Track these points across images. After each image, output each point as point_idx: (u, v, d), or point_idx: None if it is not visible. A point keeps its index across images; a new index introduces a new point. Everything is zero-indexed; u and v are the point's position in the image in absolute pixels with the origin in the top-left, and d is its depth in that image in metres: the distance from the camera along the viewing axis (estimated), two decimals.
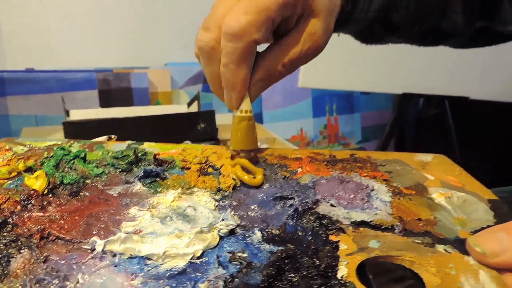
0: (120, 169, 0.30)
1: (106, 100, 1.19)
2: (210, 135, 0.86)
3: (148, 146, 0.35)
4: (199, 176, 0.30)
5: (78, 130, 0.73)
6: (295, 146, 0.92)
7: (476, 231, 0.24)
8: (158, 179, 0.29)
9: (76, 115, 0.86)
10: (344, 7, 0.37)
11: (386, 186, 0.29)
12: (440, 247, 0.23)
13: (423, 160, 0.34)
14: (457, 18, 0.44)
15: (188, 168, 0.31)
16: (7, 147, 0.33)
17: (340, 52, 1.13)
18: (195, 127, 0.84)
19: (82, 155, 0.32)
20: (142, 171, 0.29)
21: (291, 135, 1.69)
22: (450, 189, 0.30)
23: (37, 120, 1.11)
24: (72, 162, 0.31)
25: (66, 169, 0.30)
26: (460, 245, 0.23)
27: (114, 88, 1.20)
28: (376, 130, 1.89)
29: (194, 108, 1.00)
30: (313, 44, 0.32)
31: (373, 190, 0.28)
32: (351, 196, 0.27)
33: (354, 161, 0.34)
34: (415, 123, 1.74)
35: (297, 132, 1.70)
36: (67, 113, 0.88)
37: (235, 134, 0.33)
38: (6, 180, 0.28)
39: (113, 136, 0.40)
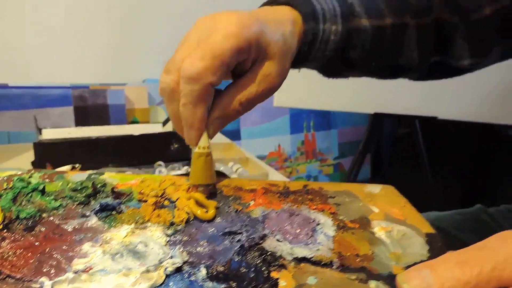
0: (78, 202, 0.31)
1: (82, 116, 1.19)
2: (183, 155, 0.87)
3: (108, 176, 0.36)
4: (154, 209, 0.31)
5: (49, 152, 0.73)
6: (267, 166, 0.94)
7: (408, 266, 0.26)
8: (114, 213, 0.30)
9: (49, 134, 0.86)
10: (301, 48, 0.39)
11: (332, 220, 0.31)
12: (372, 283, 0.24)
13: (371, 191, 0.36)
14: (412, 55, 0.46)
15: (145, 201, 0.32)
16: None
17: (314, 72, 1.16)
18: (169, 147, 0.85)
19: (41, 187, 0.32)
20: (99, 204, 0.30)
21: (269, 151, 1.72)
22: (392, 222, 0.32)
23: (10, 136, 1.10)
24: (30, 195, 0.31)
25: (23, 202, 0.31)
26: (392, 281, 0.25)
27: (90, 105, 1.20)
28: (353, 146, 1.93)
29: (169, 127, 1.00)
30: (268, 85, 0.35)
31: (319, 224, 0.30)
32: (297, 230, 0.29)
33: (306, 192, 0.35)
34: (391, 140, 1.79)
35: (275, 148, 1.72)
36: (40, 131, 0.88)
37: (193, 169, 0.34)
38: None
39: (77, 165, 0.41)
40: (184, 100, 0.31)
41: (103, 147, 0.78)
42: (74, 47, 1.25)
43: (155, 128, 0.99)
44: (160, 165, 0.82)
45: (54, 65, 1.23)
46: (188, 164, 0.86)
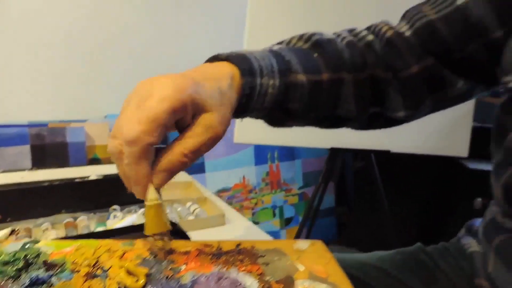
0: (8, 277, 0.32)
1: (39, 156, 1.18)
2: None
3: (44, 244, 0.37)
4: (85, 281, 0.32)
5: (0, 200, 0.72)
6: (224, 204, 0.95)
7: None
8: (45, 286, 0.31)
9: (0, 178, 0.84)
10: (241, 100, 0.42)
11: (258, 282, 0.33)
12: None
13: (300, 248, 0.39)
14: (350, 107, 0.50)
15: (78, 271, 0.33)
16: None
17: None
18: (125, 190, 0.85)
19: None
20: (29, 279, 0.31)
21: (234, 183, 1.73)
22: (315, 280, 0.34)
23: None
24: None
25: None
26: None
27: (48, 143, 1.19)
28: (317, 176, 1.97)
29: None
30: (211, 135, 0.37)
31: (245, 287, 0.32)
32: None
33: (238, 252, 0.37)
34: (352, 171, 1.84)
35: (240, 180, 1.74)
36: None
37: (146, 220, 0.37)
38: None
39: (17, 228, 0.41)
40: (127, 161, 0.34)
41: (56, 193, 0.78)
42: (32, 84, 1.24)
43: (113, 168, 0.99)
44: (115, 209, 0.82)
45: (11, 102, 1.22)
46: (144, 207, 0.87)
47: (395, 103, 0.52)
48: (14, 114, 1.21)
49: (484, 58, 0.50)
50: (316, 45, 0.49)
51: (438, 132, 1.23)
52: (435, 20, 0.50)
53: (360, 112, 0.52)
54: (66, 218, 0.77)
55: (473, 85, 0.53)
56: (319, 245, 0.40)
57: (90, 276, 0.33)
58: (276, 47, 0.49)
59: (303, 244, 0.39)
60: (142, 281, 0.32)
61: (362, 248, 1.90)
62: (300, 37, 0.51)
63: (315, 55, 0.49)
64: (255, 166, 1.78)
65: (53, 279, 0.32)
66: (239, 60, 0.42)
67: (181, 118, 0.36)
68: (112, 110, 1.39)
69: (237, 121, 1.23)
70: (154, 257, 0.36)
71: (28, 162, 1.16)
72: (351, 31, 0.54)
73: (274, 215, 1.84)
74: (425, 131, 1.24)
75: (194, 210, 0.88)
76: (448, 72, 0.51)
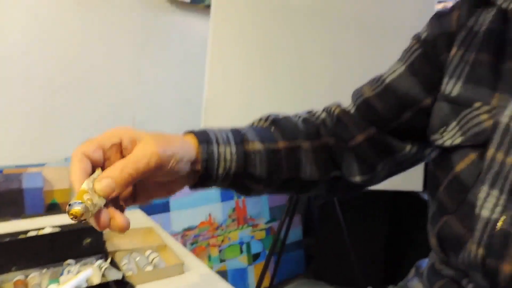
0: None
1: None
2: (96, 249, 0.85)
3: None
4: None
5: None
6: (185, 250, 0.94)
7: None
8: None
9: None
10: (202, 166, 0.46)
11: None
12: None
13: None
14: (311, 170, 0.54)
15: None
16: None
17: None
18: (80, 243, 0.84)
19: None
20: None
21: (200, 221, 1.72)
22: None
23: None
24: None
25: None
26: None
27: (2, 191, 1.15)
28: (284, 209, 1.98)
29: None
30: (145, 158, 0.40)
31: None
32: None
33: None
34: (318, 205, 1.87)
35: (206, 217, 1.73)
36: None
37: None
38: None
39: None
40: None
41: (5, 251, 0.75)
42: None
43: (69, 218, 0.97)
44: (69, 264, 0.80)
45: None
46: (102, 258, 0.85)
47: (351, 169, 0.57)
48: None
49: (422, 123, 0.55)
50: (273, 122, 0.55)
51: None
52: (371, 97, 0.57)
53: (323, 175, 0.56)
54: (17, 276, 0.75)
55: (422, 147, 0.58)
56: None
57: None
58: (234, 127, 0.54)
59: None
60: None
61: (330, 280, 1.90)
62: (260, 119, 0.57)
63: (272, 129, 0.54)
64: (221, 203, 1.78)
65: None
66: (198, 132, 0.47)
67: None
68: (71, 153, 1.37)
69: None
70: None
71: None
72: (309, 112, 0.61)
73: (242, 251, 1.83)
74: None
75: (152, 260, 0.87)
76: (392, 139, 0.57)
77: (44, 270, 0.78)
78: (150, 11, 1.47)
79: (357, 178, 0.57)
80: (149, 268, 0.83)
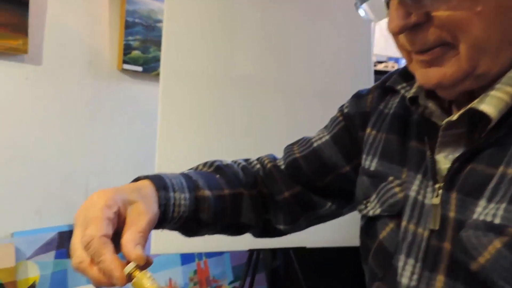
0: None
1: None
2: None
3: None
4: None
5: None
6: None
7: None
8: None
9: None
10: (160, 210, 0.49)
11: None
12: None
13: None
14: (250, 215, 0.60)
15: None
16: None
17: None
18: None
19: None
20: None
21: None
22: None
23: None
24: None
25: None
26: None
27: None
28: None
29: None
30: (144, 220, 0.44)
31: None
32: None
33: None
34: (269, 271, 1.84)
35: (166, 283, 1.67)
36: None
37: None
38: None
39: None
40: (96, 259, 0.39)
41: None
42: None
43: None
44: None
45: None
46: None
47: (276, 218, 0.64)
48: None
49: (343, 186, 0.62)
50: (217, 169, 0.61)
51: (348, 224, 1.31)
52: (299, 158, 0.63)
53: (258, 220, 0.62)
54: None
55: (342, 204, 0.65)
56: None
57: None
58: (185, 171, 0.59)
59: None
60: None
61: None
62: (205, 164, 0.63)
63: (217, 176, 0.59)
64: (182, 266, 1.73)
65: None
66: (155, 179, 0.51)
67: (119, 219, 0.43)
68: (20, 227, 1.31)
69: (153, 232, 1.22)
70: None
71: None
72: (246, 160, 0.66)
73: None
74: (336, 225, 1.31)
75: None
76: (315, 196, 0.63)
77: None
78: (102, 80, 1.49)
79: (281, 227, 0.64)
80: None
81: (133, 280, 0.40)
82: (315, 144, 0.64)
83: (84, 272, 0.40)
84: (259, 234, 0.66)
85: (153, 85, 1.59)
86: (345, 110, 0.63)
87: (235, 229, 0.62)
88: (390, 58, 2.13)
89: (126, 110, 1.56)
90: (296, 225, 0.65)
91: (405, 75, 0.53)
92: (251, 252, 1.24)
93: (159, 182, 0.51)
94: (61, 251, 1.36)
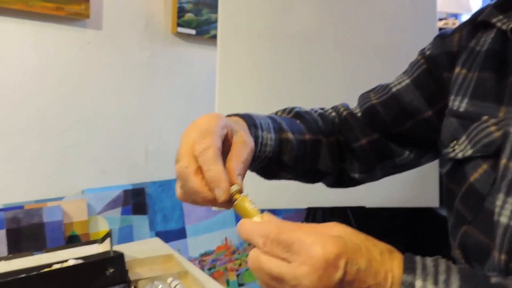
0: None
1: (15, 239, 1.16)
2: (120, 279, 0.86)
3: None
4: None
5: None
6: (206, 276, 0.95)
7: None
8: None
9: None
10: None
11: None
12: None
13: None
14: (327, 162, 0.61)
15: None
16: None
17: (248, 174, 1.23)
18: (103, 273, 0.85)
19: None
20: None
21: (216, 246, 1.72)
22: None
23: None
24: None
25: None
26: None
27: (24, 226, 1.18)
28: None
29: (106, 245, 1.00)
30: (248, 148, 0.45)
31: None
32: None
33: None
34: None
35: (222, 242, 1.73)
36: None
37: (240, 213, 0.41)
38: None
39: None
40: (206, 167, 0.40)
41: (33, 285, 0.77)
42: (6, 166, 1.24)
43: (90, 249, 0.99)
44: None
45: None
46: (125, 287, 0.86)
47: (352, 166, 0.64)
48: None
49: (423, 133, 0.60)
50: (297, 115, 0.61)
51: (408, 185, 1.29)
52: (376, 104, 0.62)
53: (334, 167, 0.62)
54: None
55: (420, 154, 0.63)
56: None
57: None
58: (268, 114, 0.60)
59: None
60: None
61: None
62: (284, 110, 0.64)
63: (298, 121, 0.60)
64: (236, 227, 1.78)
65: None
66: (246, 116, 0.53)
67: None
68: (88, 185, 1.39)
69: None
70: None
71: (3, 248, 1.13)
72: (321, 108, 0.66)
73: None
74: (395, 185, 1.29)
75: (175, 286, 0.88)
76: (393, 145, 0.62)
77: None
78: (158, 43, 1.52)
79: (356, 175, 0.64)
80: None
81: (235, 202, 0.41)
82: (394, 89, 0.62)
83: (187, 178, 0.41)
84: (333, 183, 0.66)
85: (206, 48, 1.60)
86: (427, 52, 0.60)
87: (311, 176, 0.63)
88: (450, 15, 2.00)
89: (182, 73, 1.58)
90: (371, 174, 0.64)
91: (502, 7, 0.49)
92: (309, 210, 1.25)
93: (250, 120, 0.52)
94: (127, 208, 1.44)
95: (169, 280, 0.91)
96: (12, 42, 1.23)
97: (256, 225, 0.36)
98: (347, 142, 0.63)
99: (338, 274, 0.31)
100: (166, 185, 1.57)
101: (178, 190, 0.45)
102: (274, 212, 1.93)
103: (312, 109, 0.64)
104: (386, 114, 0.61)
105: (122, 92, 1.46)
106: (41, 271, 0.82)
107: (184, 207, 1.61)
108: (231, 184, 0.41)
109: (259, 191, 1.24)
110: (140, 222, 1.47)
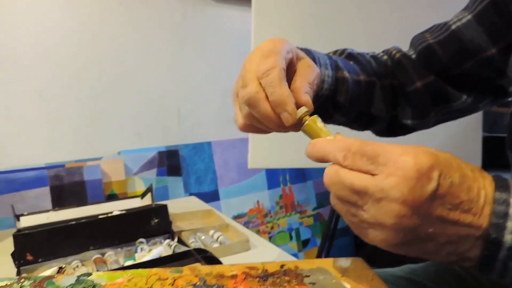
0: None
1: (58, 196, 1.19)
2: (164, 229, 0.88)
3: (97, 277, 0.38)
4: None
5: (29, 242, 0.73)
6: (246, 230, 0.96)
7: None
8: None
9: (27, 221, 0.86)
10: None
11: None
12: None
13: (342, 266, 0.40)
14: (380, 106, 0.58)
15: None
16: None
17: (282, 135, 1.22)
18: (149, 223, 0.87)
19: None
20: None
21: (249, 208, 1.73)
22: None
23: None
24: None
25: None
26: None
27: (66, 183, 1.21)
28: (329, 196, 1.98)
29: (147, 199, 1.02)
30: (314, 71, 0.44)
31: None
32: None
33: (283, 273, 0.38)
34: None
35: (254, 205, 1.74)
36: (17, 218, 0.88)
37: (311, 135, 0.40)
38: None
39: (63, 265, 0.42)
40: (271, 89, 0.39)
41: (82, 231, 0.79)
42: (47, 128, 1.27)
43: (133, 202, 1.01)
44: (141, 242, 0.83)
45: (27, 147, 1.24)
46: (169, 238, 0.87)
47: (404, 112, 0.60)
48: (32, 158, 1.23)
49: (484, 73, 0.56)
50: (350, 56, 0.59)
51: (450, 145, 1.24)
52: (433, 44, 0.58)
53: (387, 113, 0.60)
54: (95, 254, 0.78)
55: (479, 98, 0.59)
56: (359, 262, 0.41)
57: None
58: (326, 53, 0.58)
59: (344, 262, 0.40)
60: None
61: (381, 266, 1.87)
62: (335, 52, 0.61)
63: (351, 62, 0.57)
64: (268, 190, 1.79)
65: None
66: (304, 50, 0.50)
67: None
68: (124, 146, 1.41)
69: (250, 148, 1.25)
70: (204, 283, 0.37)
71: (48, 203, 1.17)
72: (373, 52, 0.63)
73: (291, 238, 1.83)
74: (437, 144, 1.25)
75: (218, 238, 0.89)
76: (450, 88, 0.58)
77: (118, 249, 0.81)
78: (189, 5, 1.49)
79: (409, 122, 0.60)
80: (216, 245, 0.85)
81: (305, 123, 0.39)
82: (453, 27, 0.57)
83: (257, 104, 0.40)
84: (383, 130, 0.64)
85: (239, 8, 1.56)
86: None
87: (364, 120, 0.60)
88: None
89: (214, 34, 1.56)
90: (425, 121, 0.61)
91: None
92: None
93: (309, 53, 0.50)
94: (162, 169, 1.45)
95: (211, 232, 0.92)
96: (45, 5, 1.23)
97: (332, 141, 0.34)
98: (400, 86, 0.59)
99: (432, 186, 0.29)
100: (199, 148, 1.58)
101: (240, 121, 0.44)
102: (306, 172, 1.92)
103: (363, 52, 0.62)
104: (444, 53, 0.57)
105: (154, 54, 1.45)
106: (93, 218, 0.84)
107: (217, 170, 1.62)
108: (299, 107, 0.39)
109: (291, 149, 1.24)
110: (175, 183, 1.49)
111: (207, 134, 1.61)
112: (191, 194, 1.52)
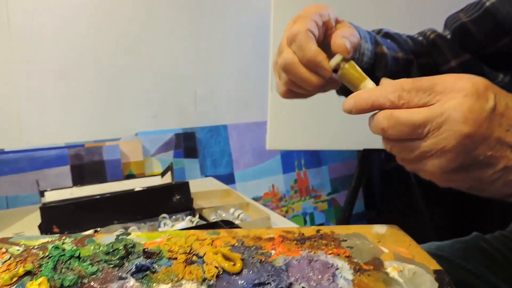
0: (113, 265, 0.33)
1: (79, 174, 1.21)
2: (185, 205, 0.89)
3: (136, 236, 0.39)
4: (185, 266, 0.33)
5: (55, 215, 0.75)
6: (267, 209, 0.96)
7: None
8: (149, 273, 0.33)
9: (51, 196, 0.87)
10: None
11: (348, 264, 0.34)
12: None
13: (378, 232, 0.40)
14: None
15: (175, 259, 0.35)
16: (4, 249, 0.36)
17: (302, 115, 1.21)
18: (171, 199, 0.87)
19: (77, 253, 0.35)
20: (134, 266, 0.33)
21: (264, 192, 1.74)
22: (402, 261, 0.35)
23: (8, 201, 1.10)
24: (68, 262, 0.34)
25: (63, 270, 0.33)
26: None
27: (86, 162, 1.22)
28: (344, 181, 1.97)
29: (167, 178, 1.03)
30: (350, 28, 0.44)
31: (337, 269, 0.33)
32: (319, 276, 0.32)
33: (320, 237, 0.38)
34: (380, 173, 1.84)
35: (269, 189, 1.75)
36: (42, 194, 0.89)
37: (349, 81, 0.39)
38: (9, 287, 0.31)
39: (99, 229, 0.43)
40: (300, 52, 0.40)
41: (106, 206, 0.80)
42: (67, 108, 1.28)
43: (154, 181, 1.02)
44: (164, 217, 0.84)
45: (48, 127, 1.26)
46: (191, 215, 0.88)
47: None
48: (53, 137, 1.25)
49: None
50: (387, 35, 0.59)
51: None
52: (467, 22, 0.57)
53: None
54: (118, 228, 0.79)
55: None
56: (396, 229, 0.41)
57: (188, 262, 0.34)
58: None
59: (380, 228, 0.40)
60: (239, 265, 0.33)
61: None
62: (371, 31, 0.60)
63: (389, 40, 0.57)
64: (283, 174, 1.79)
65: (155, 266, 0.33)
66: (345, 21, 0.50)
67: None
68: (142, 128, 1.42)
69: (269, 129, 1.25)
70: (242, 244, 0.37)
71: (69, 181, 1.19)
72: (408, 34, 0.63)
73: (305, 222, 1.83)
74: None
75: (238, 215, 0.89)
76: (486, 67, 0.57)
77: (142, 224, 0.82)
78: None
79: None
80: (237, 222, 0.86)
81: (341, 71, 0.39)
82: (487, 3, 0.56)
83: (291, 68, 0.40)
84: None
85: None
86: None
87: None
88: None
89: (233, 14, 1.55)
90: None
91: None
92: (365, 152, 1.22)
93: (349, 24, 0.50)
94: (179, 151, 1.46)
95: (232, 210, 0.93)
96: None
97: (379, 88, 0.34)
98: (436, 65, 0.59)
99: (490, 104, 0.30)
100: (215, 131, 1.58)
101: (281, 88, 0.44)
102: (321, 157, 1.91)
103: (399, 33, 0.62)
104: (478, 31, 0.56)
105: (171, 36, 1.45)
106: (116, 193, 0.85)
107: (232, 153, 1.63)
108: (334, 54, 0.39)
109: (309, 130, 1.23)
110: (192, 165, 1.50)
111: (223, 117, 1.62)
112: (207, 176, 1.53)
